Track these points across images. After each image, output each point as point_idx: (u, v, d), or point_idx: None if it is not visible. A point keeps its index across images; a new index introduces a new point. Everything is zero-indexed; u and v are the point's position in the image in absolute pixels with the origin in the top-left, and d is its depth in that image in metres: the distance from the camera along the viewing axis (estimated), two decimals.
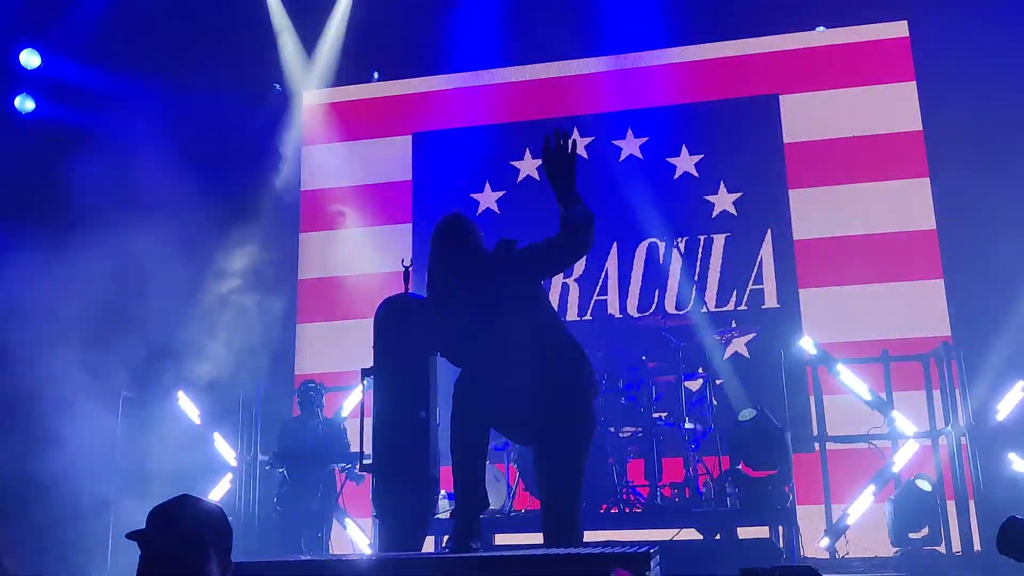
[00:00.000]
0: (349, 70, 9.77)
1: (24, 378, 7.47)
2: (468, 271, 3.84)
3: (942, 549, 6.53)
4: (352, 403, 7.93)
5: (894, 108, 8.62)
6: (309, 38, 9.65)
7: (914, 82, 8.64)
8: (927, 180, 8.40)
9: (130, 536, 2.21)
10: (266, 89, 9.87)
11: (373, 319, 4.42)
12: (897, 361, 7.33)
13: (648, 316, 8.32)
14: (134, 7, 8.80)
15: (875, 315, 8.12)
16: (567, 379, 3.75)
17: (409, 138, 9.70)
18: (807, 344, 7.29)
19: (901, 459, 6.88)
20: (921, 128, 8.51)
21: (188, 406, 7.91)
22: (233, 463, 7.83)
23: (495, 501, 6.79)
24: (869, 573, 6.29)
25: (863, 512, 6.80)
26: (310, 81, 9.87)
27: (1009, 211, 7.66)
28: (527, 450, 6.14)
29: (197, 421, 7.88)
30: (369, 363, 4.38)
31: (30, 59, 9.01)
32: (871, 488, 6.81)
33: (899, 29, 8.80)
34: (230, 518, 2.34)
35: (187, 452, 7.73)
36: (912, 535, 6.51)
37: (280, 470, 7.04)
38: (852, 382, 7.13)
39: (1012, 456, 6.65)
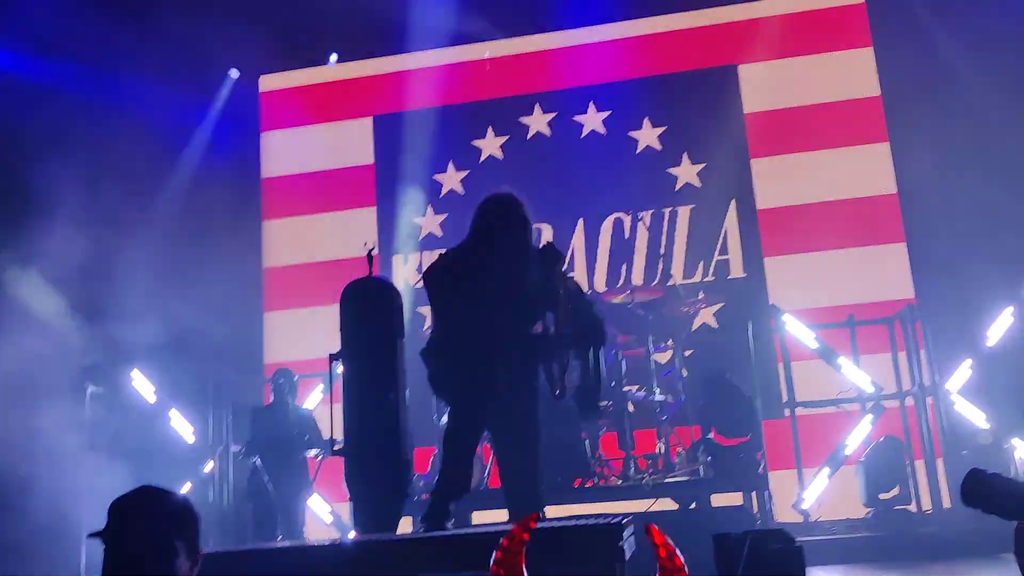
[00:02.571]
0: (306, 53, 9.64)
1: None
2: (506, 260, 3.83)
3: (913, 508, 6.64)
4: (322, 389, 7.91)
5: (852, 74, 8.67)
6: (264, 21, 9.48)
7: (871, 48, 8.69)
8: (887, 145, 8.48)
9: (93, 536, 2.15)
10: (221, 75, 9.72)
11: (339, 303, 4.38)
12: (863, 325, 7.41)
13: (616, 290, 8.33)
14: None
15: (840, 281, 8.19)
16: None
17: (370, 120, 9.61)
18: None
19: (854, 440, 6.92)
20: (880, 93, 8.57)
21: (143, 385, 7.85)
22: (191, 439, 7.89)
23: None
24: (843, 535, 6.37)
25: (820, 492, 6.84)
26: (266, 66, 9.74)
27: (968, 172, 7.75)
28: None
29: (152, 399, 7.83)
30: (337, 348, 4.35)
31: None
32: (826, 471, 6.84)
33: None
34: (202, 508, 2.29)
35: (155, 439, 7.71)
36: (883, 496, 6.60)
37: (253, 459, 7.00)
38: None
39: (955, 397, 6.79)
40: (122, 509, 2.15)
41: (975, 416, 6.78)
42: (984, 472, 2.71)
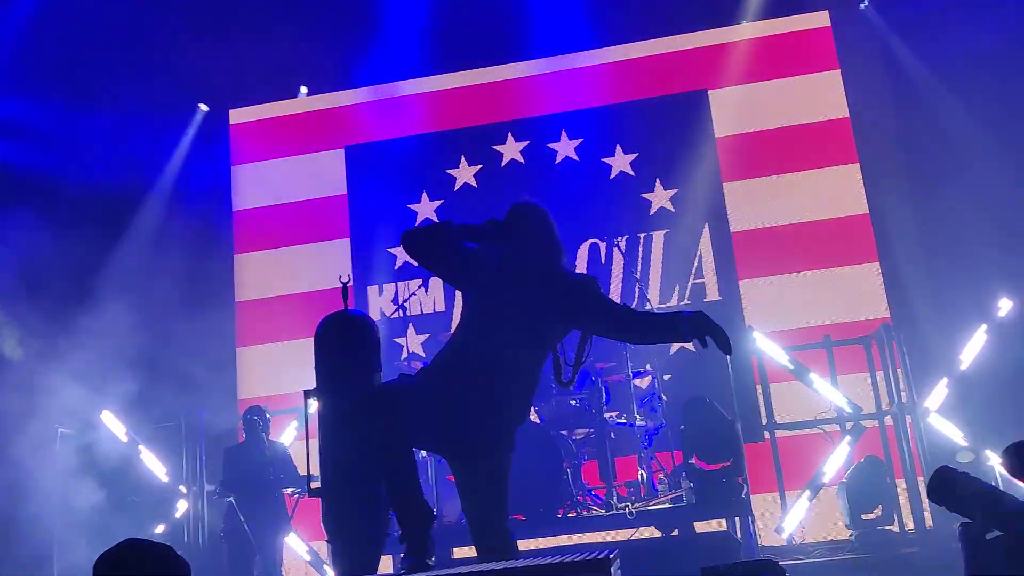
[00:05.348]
0: (276, 86, 9.60)
1: None
2: (526, 270, 3.78)
3: (895, 528, 6.62)
4: (296, 426, 7.80)
5: (820, 97, 8.77)
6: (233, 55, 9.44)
7: (838, 70, 8.78)
8: (857, 166, 8.55)
9: None
10: (191, 109, 9.66)
11: (313, 338, 4.31)
12: (839, 345, 7.42)
13: None
14: (50, 34, 8.51)
15: (815, 302, 8.23)
16: (506, 417, 3.64)
17: (341, 151, 9.56)
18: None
19: (832, 465, 6.91)
20: (848, 115, 8.66)
21: (114, 424, 7.70)
22: (164, 479, 7.73)
23: (450, 512, 6.70)
24: (826, 557, 6.34)
25: (802, 515, 6.83)
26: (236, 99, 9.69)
27: (938, 190, 7.85)
28: None
29: (124, 439, 7.68)
30: (312, 384, 4.27)
31: None
32: (806, 494, 6.82)
33: (821, 19, 8.95)
34: (177, 550, 2.22)
35: (127, 480, 7.59)
36: (865, 516, 6.57)
37: (228, 499, 6.87)
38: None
39: (934, 416, 6.80)
40: (109, 564, 2.11)
41: (954, 434, 6.79)
42: (953, 470, 2.74)
